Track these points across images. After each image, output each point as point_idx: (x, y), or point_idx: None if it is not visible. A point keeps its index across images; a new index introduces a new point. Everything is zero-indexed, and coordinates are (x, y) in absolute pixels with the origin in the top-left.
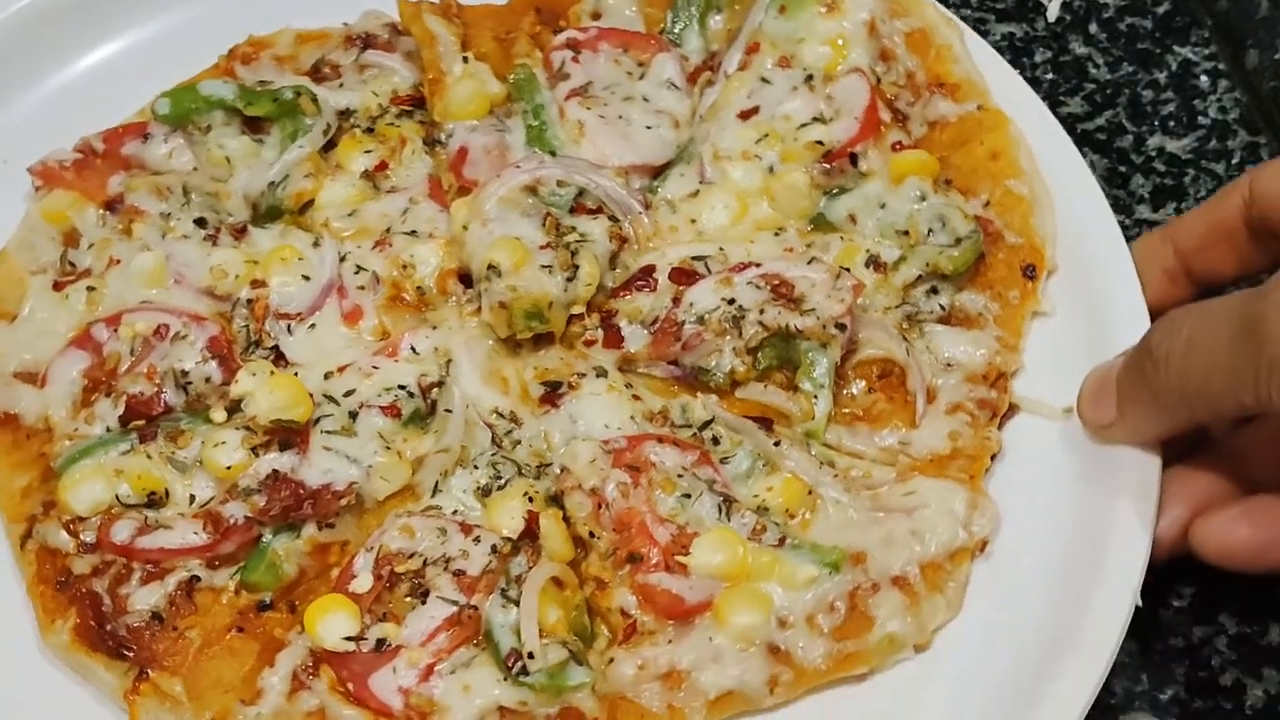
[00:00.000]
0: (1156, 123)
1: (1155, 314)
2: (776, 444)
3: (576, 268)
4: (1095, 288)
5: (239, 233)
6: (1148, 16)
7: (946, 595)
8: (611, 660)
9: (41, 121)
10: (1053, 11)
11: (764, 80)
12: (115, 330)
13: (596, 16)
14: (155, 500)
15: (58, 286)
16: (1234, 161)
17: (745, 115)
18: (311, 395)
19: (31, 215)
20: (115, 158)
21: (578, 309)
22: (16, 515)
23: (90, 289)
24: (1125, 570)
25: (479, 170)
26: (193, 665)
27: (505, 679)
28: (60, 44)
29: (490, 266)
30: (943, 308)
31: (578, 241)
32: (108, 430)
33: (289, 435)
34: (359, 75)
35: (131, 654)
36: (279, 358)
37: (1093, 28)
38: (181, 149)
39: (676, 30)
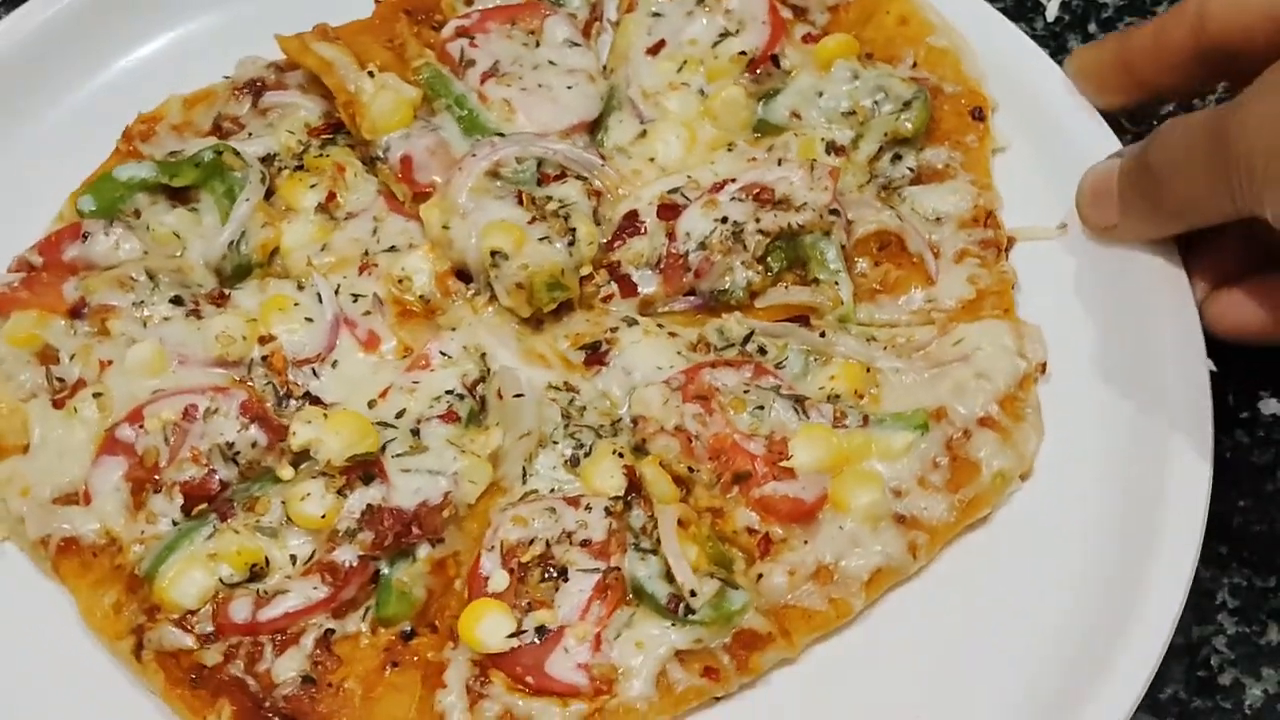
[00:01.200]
0: (1155, 122)
1: (1107, 117)
2: (821, 335)
3: (573, 230)
4: (1040, 111)
5: (219, 299)
6: (1146, 16)
7: (1029, 421)
8: (760, 576)
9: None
10: (1051, 11)
11: (656, 14)
12: (140, 426)
13: (470, 2)
14: (259, 571)
15: (58, 404)
16: None
17: (654, 51)
18: None
19: None
20: (59, 266)
21: (586, 270)
22: (118, 632)
23: (97, 395)
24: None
25: (430, 172)
26: (363, 714)
27: (673, 624)
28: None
29: (493, 253)
30: (911, 170)
31: (561, 207)
32: (174, 524)
33: (366, 468)
34: (263, 120)
35: None
36: (314, 402)
37: (1091, 27)
38: (125, 236)
39: None
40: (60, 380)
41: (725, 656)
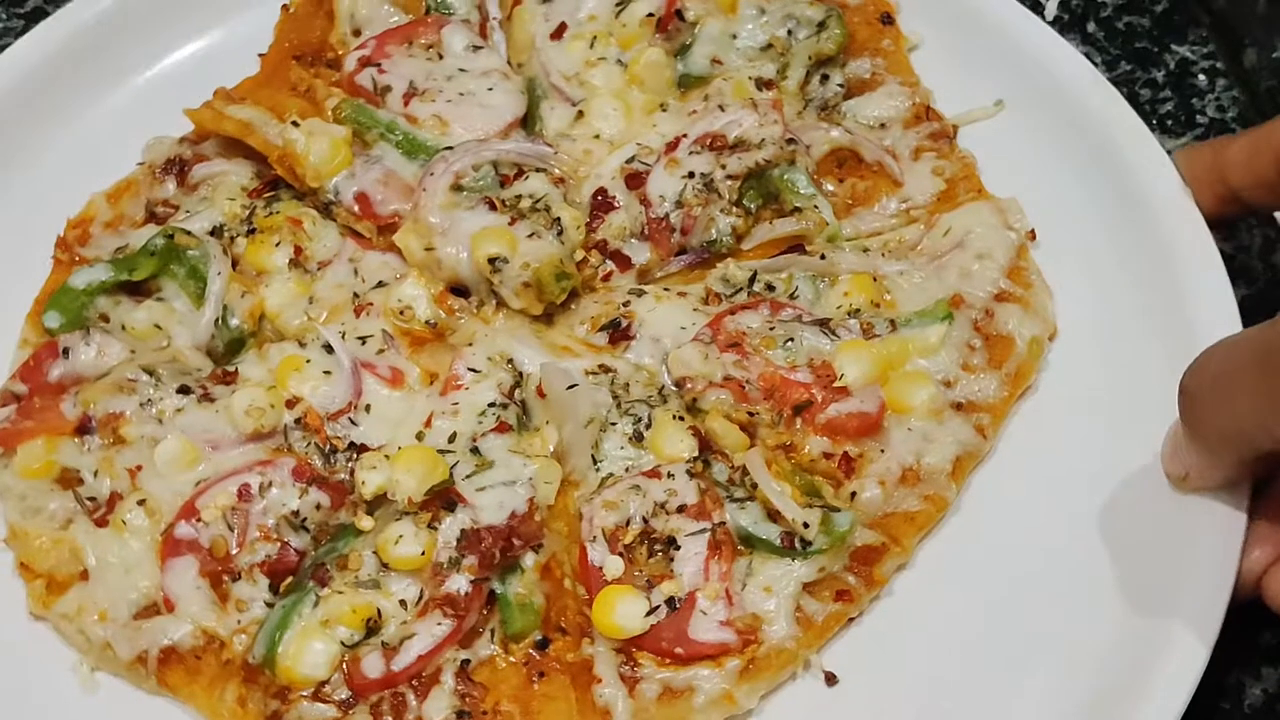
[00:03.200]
0: (1154, 121)
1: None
2: (821, 258)
3: (557, 220)
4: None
5: (226, 378)
6: (1145, 15)
7: (1037, 284)
8: (854, 494)
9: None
10: (1050, 10)
11: (546, 0)
12: (198, 520)
13: (357, 33)
14: (374, 625)
15: (101, 523)
16: None
17: (557, 35)
18: None
19: (11, 487)
20: (47, 388)
21: (579, 255)
22: None
23: (140, 502)
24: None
25: (389, 202)
26: None
27: (793, 560)
28: None
29: (491, 260)
30: (841, 86)
31: (536, 202)
32: (268, 605)
33: (444, 497)
34: (195, 196)
35: None
36: (361, 450)
37: (1090, 26)
38: (106, 341)
39: (445, 1)
40: (92, 500)
41: (850, 577)
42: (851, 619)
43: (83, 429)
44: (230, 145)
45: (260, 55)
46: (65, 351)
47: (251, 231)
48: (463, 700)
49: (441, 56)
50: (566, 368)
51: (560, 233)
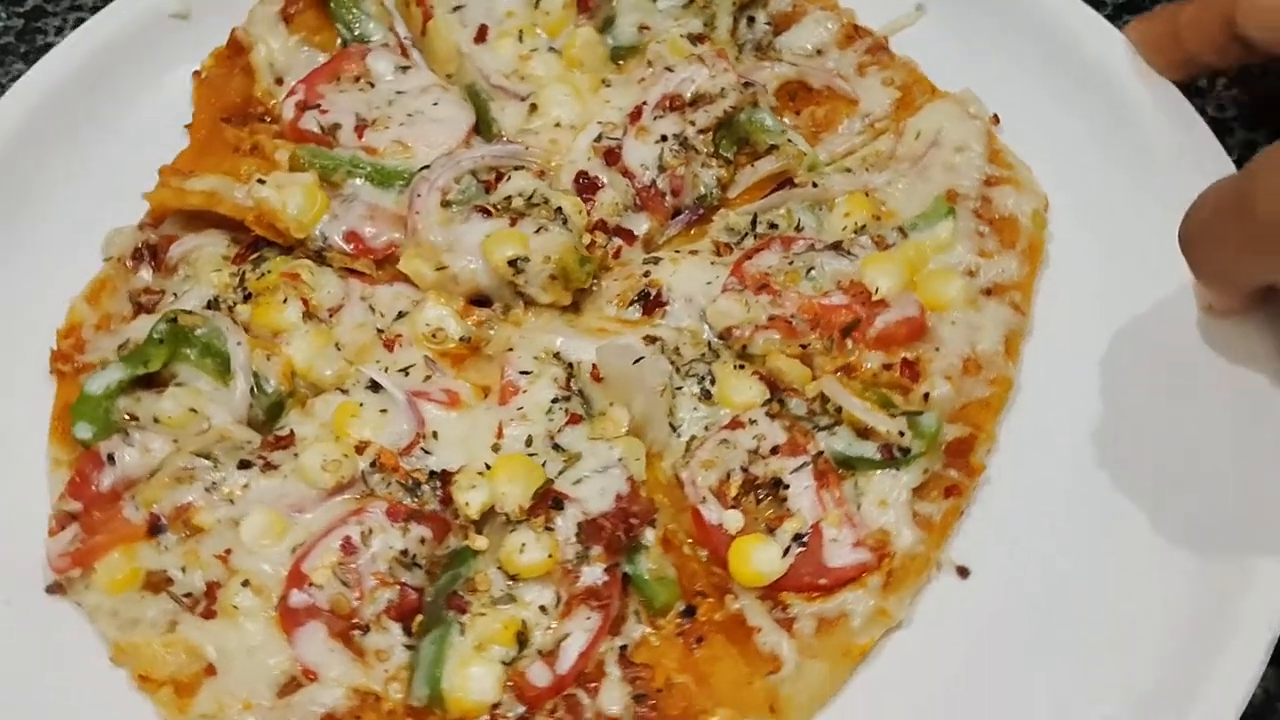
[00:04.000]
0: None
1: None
2: (814, 186)
3: (557, 209)
4: None
5: (280, 443)
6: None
7: (1017, 163)
8: (926, 395)
9: None
10: None
11: (458, 7)
12: (310, 585)
13: (280, 82)
14: (524, 638)
15: (208, 615)
16: (1233, 159)
17: (480, 39)
18: None
19: (101, 605)
20: (101, 499)
21: (586, 239)
22: None
23: (245, 583)
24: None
25: (382, 235)
26: (708, 695)
27: (897, 469)
28: None
29: (512, 263)
30: (769, 24)
31: (530, 197)
32: (407, 647)
33: (548, 498)
34: (177, 276)
35: None
36: (444, 477)
37: None
38: (146, 437)
39: (356, 33)
40: (188, 595)
41: (951, 471)
42: (962, 511)
43: (154, 529)
44: (192, 219)
45: (186, 127)
46: (110, 458)
47: (248, 297)
48: (633, 684)
49: (373, 85)
50: (625, 344)
51: (565, 220)
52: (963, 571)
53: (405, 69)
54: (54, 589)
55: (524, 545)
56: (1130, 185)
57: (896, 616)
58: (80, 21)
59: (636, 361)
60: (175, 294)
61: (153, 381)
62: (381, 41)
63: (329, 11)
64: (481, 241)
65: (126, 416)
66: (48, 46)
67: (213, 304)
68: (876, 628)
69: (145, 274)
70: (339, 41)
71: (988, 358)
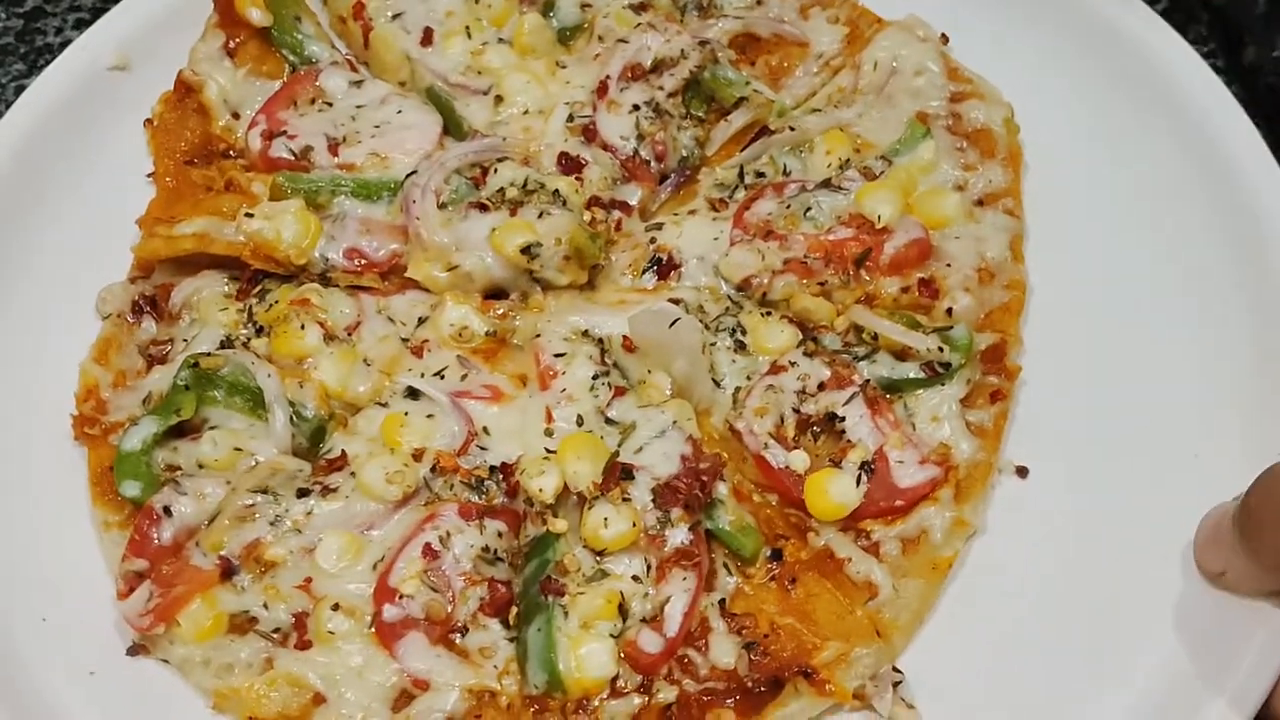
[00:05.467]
0: None
1: None
2: (790, 129)
3: (554, 192)
4: None
5: (332, 466)
6: None
7: (974, 76)
8: (950, 310)
9: None
10: None
11: (396, 15)
12: (400, 598)
13: (237, 116)
14: (625, 609)
15: (303, 645)
16: None
17: (426, 42)
18: None
19: (190, 656)
20: (165, 552)
21: (586, 217)
22: None
23: (335, 607)
24: None
25: (382, 247)
26: (816, 632)
27: (942, 384)
28: None
29: (525, 250)
30: None
31: (520, 188)
32: (510, 640)
33: (616, 470)
34: (182, 323)
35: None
36: (504, 469)
37: None
38: (197, 483)
39: (303, 55)
40: (276, 630)
41: (991, 377)
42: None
43: (228, 572)
44: (182, 264)
45: (149, 176)
46: (166, 510)
47: (260, 331)
48: (740, 634)
49: (331, 104)
50: (658, 309)
51: (564, 201)
52: (1022, 471)
53: (358, 83)
54: (136, 650)
55: (606, 519)
56: (1092, 78)
57: (974, 524)
58: (80, 22)
59: (673, 324)
60: (185, 340)
61: (183, 430)
62: (330, 60)
63: (271, 40)
64: (488, 236)
65: (169, 468)
66: (47, 47)
67: (226, 343)
68: (957, 538)
69: (149, 326)
70: (286, 68)
71: (998, 264)
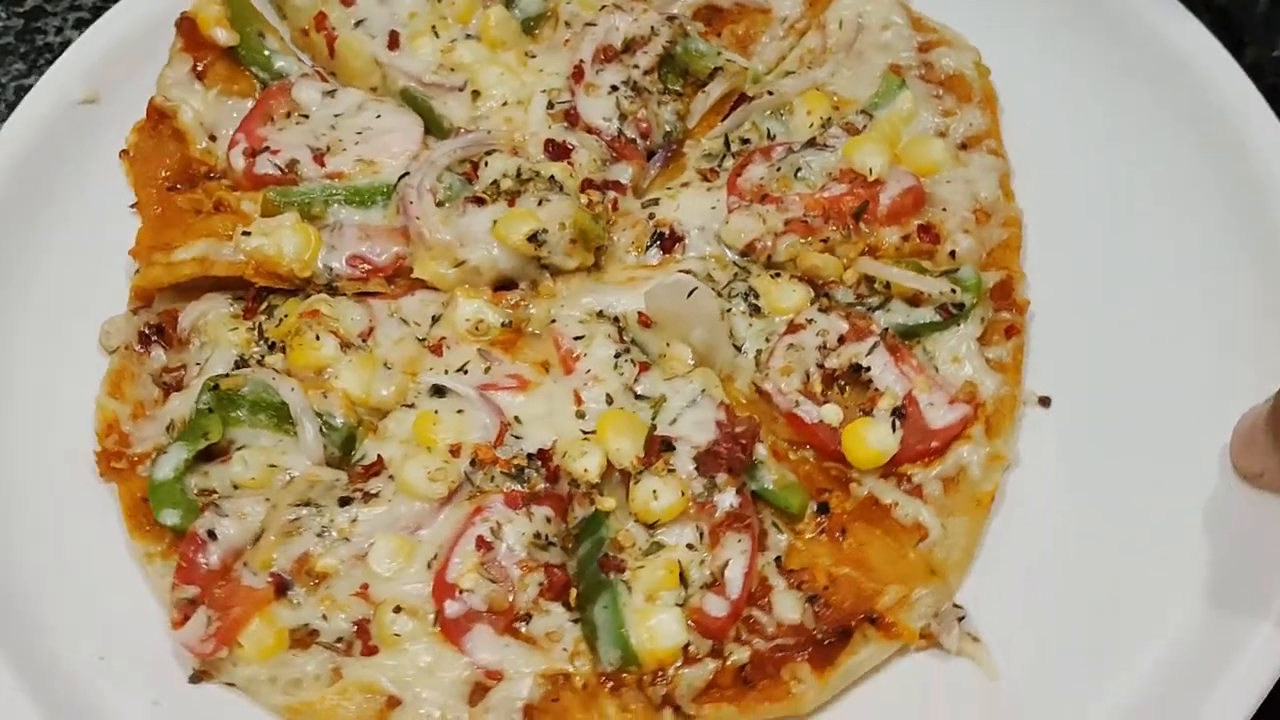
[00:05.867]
0: None
1: None
2: (769, 94)
3: (549, 178)
4: None
5: (369, 471)
6: None
7: (940, 24)
8: (952, 252)
9: None
10: None
11: (360, 21)
12: (460, 592)
13: (214, 138)
14: (685, 577)
15: (369, 651)
16: None
17: (393, 45)
18: None
19: (256, 676)
20: (214, 576)
21: (583, 199)
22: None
23: (396, 610)
24: None
25: (385, 251)
26: (875, 578)
27: (958, 325)
28: None
29: (532, 238)
30: None
31: (515, 178)
32: (573, 621)
33: (657, 443)
34: (193, 346)
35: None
36: (542, 456)
37: None
38: (236, 505)
39: (273, 70)
40: (340, 640)
41: (1003, 313)
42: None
43: (282, 588)
44: (183, 289)
45: (132, 206)
46: (210, 534)
47: (272, 347)
48: (800, 589)
49: (306, 116)
50: (673, 281)
51: (561, 186)
52: (1045, 401)
53: (331, 93)
54: (199, 676)
55: (655, 492)
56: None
57: (1008, 457)
58: (80, 21)
59: (690, 294)
60: (198, 364)
61: (211, 454)
62: (300, 73)
63: (238, 58)
64: (490, 228)
65: (203, 492)
66: (48, 46)
67: (240, 363)
68: (995, 471)
69: (159, 354)
70: (257, 85)
71: (991, 204)
